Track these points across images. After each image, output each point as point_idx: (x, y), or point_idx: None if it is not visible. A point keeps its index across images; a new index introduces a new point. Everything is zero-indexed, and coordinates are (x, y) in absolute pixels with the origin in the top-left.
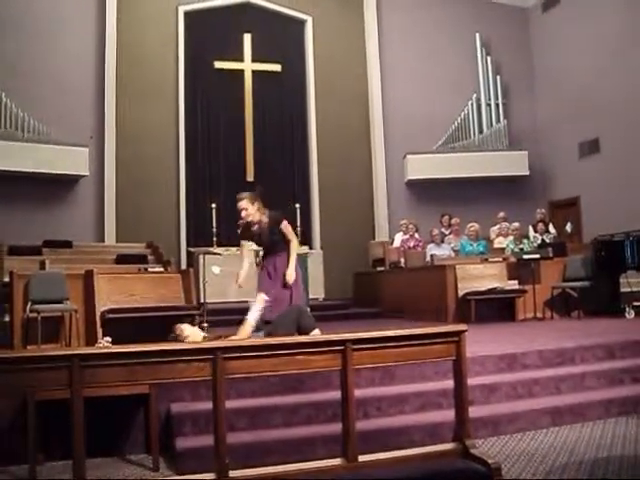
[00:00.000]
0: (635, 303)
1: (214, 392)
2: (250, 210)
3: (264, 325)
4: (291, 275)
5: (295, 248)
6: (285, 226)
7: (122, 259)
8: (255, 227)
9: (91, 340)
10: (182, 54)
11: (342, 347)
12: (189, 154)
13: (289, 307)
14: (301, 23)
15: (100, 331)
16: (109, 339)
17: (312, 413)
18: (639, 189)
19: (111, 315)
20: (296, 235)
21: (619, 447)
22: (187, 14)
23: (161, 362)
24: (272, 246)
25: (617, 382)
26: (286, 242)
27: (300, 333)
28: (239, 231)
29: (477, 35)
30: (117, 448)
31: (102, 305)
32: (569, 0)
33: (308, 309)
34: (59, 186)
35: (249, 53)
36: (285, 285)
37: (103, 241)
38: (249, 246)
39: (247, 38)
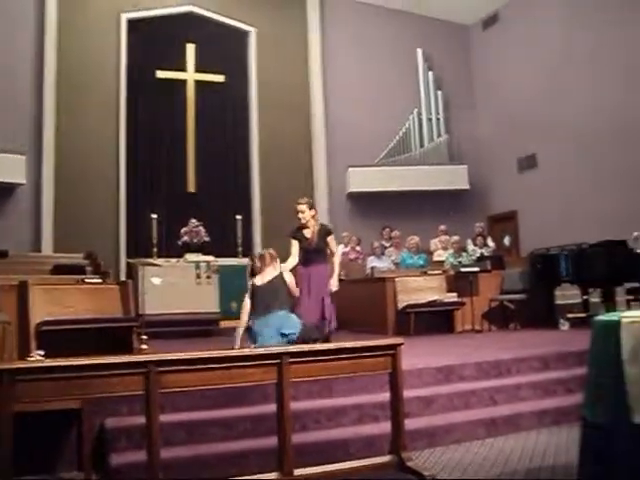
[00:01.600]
0: (569, 315)
1: (147, 406)
2: (306, 214)
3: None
4: (335, 284)
5: (338, 262)
6: (332, 239)
7: (59, 270)
8: (306, 231)
9: (24, 353)
10: (124, 62)
11: (278, 360)
12: (130, 164)
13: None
14: (245, 34)
15: (34, 344)
16: (42, 352)
17: (250, 427)
18: (574, 204)
19: (46, 327)
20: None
21: (552, 456)
22: (130, 22)
23: (94, 376)
24: (316, 253)
25: (551, 392)
26: (329, 254)
27: None
28: (294, 229)
29: (419, 50)
30: (48, 466)
31: (37, 317)
32: (508, 19)
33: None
34: None
35: (192, 63)
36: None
37: (40, 251)
38: (296, 245)
39: (190, 48)
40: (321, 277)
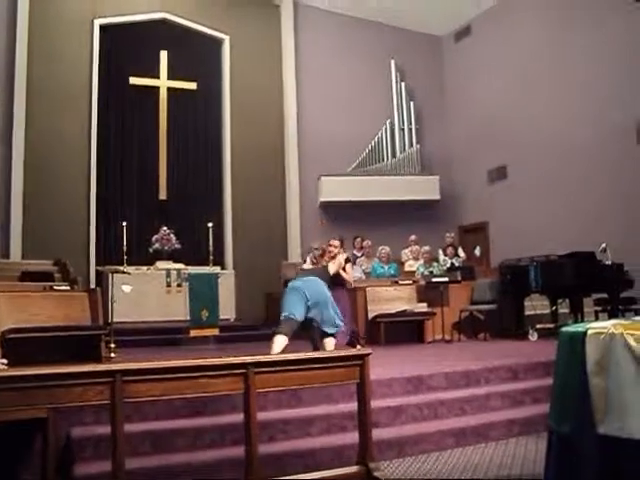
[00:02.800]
0: (538, 326)
1: (113, 416)
2: (337, 251)
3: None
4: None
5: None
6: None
7: (27, 276)
8: (325, 259)
9: None
10: (96, 68)
11: (244, 370)
12: (100, 170)
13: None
14: (218, 42)
15: None
16: (4, 361)
17: (217, 437)
18: (544, 215)
19: (12, 335)
20: None
21: (519, 466)
22: (103, 28)
23: (58, 385)
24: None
25: (519, 403)
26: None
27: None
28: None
29: (392, 61)
30: (12, 476)
31: (3, 324)
32: (480, 31)
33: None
34: None
35: (165, 70)
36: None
37: (8, 257)
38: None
39: (164, 55)
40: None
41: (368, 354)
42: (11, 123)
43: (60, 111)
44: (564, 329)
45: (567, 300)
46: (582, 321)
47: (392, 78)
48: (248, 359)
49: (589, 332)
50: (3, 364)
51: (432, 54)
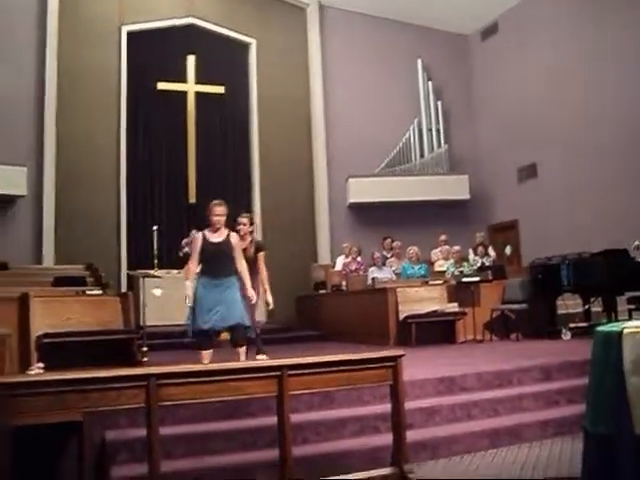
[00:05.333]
0: (571, 325)
1: (148, 419)
2: (246, 228)
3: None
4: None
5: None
6: (262, 256)
7: (60, 282)
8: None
9: (25, 366)
10: (125, 74)
11: (278, 373)
12: (130, 175)
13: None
14: (245, 46)
15: (35, 356)
16: (41, 365)
17: (250, 439)
18: (575, 213)
19: (47, 340)
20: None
21: (554, 468)
22: (130, 34)
23: (93, 389)
24: (250, 264)
25: (553, 403)
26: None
27: None
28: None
29: (419, 60)
30: (49, 478)
31: (37, 329)
32: (507, 30)
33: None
34: None
35: (192, 75)
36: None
37: (41, 263)
38: None
39: (191, 60)
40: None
41: (401, 355)
42: (42, 131)
43: (89, 118)
44: (599, 328)
45: (600, 299)
46: (616, 320)
47: (419, 78)
48: (282, 361)
49: (625, 331)
50: (40, 368)
51: (459, 53)
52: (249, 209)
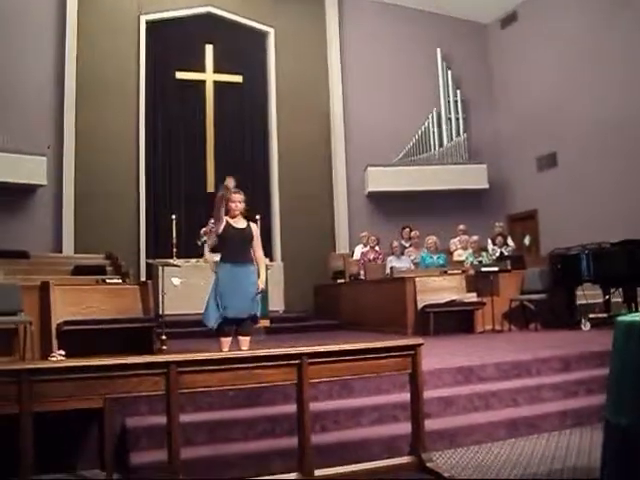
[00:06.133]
0: (591, 315)
1: (168, 406)
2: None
3: None
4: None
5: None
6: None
7: (80, 270)
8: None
9: (46, 353)
10: (143, 64)
11: (298, 361)
12: (149, 164)
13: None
14: (263, 35)
15: (55, 343)
16: (62, 352)
17: (270, 427)
18: (595, 203)
19: (67, 327)
20: None
21: (573, 458)
22: (149, 23)
23: (114, 376)
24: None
25: (572, 394)
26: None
27: None
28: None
29: (438, 49)
30: (69, 464)
31: (58, 317)
32: (527, 18)
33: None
34: (16, 195)
35: (211, 64)
36: None
37: (61, 252)
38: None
39: (209, 49)
40: None
41: (420, 344)
42: (61, 121)
43: (108, 108)
44: (620, 319)
45: (620, 289)
46: (636, 311)
47: (438, 67)
48: (302, 349)
49: None
50: (61, 355)
51: (478, 41)
52: (267, 198)
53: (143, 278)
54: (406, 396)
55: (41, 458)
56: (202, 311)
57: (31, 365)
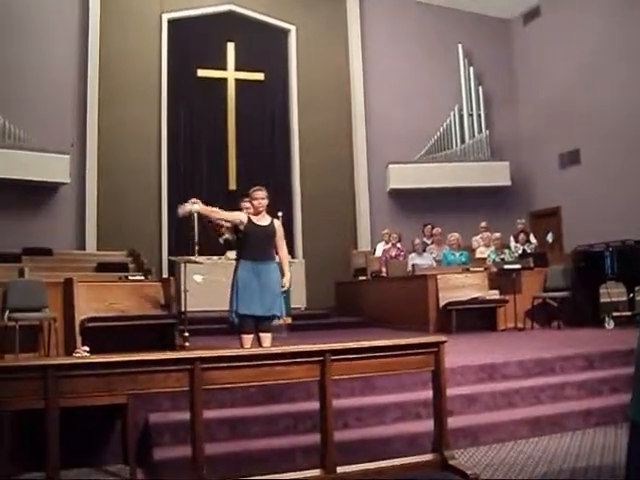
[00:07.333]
0: (615, 313)
1: (192, 403)
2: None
3: None
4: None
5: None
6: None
7: (103, 267)
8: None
9: (70, 349)
10: (165, 62)
11: (321, 358)
12: (171, 162)
13: None
14: (285, 32)
15: (79, 340)
16: (87, 348)
17: (292, 423)
18: (618, 200)
19: (90, 324)
20: None
21: (597, 457)
22: (171, 22)
23: (138, 372)
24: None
25: (596, 392)
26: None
27: None
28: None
29: (459, 46)
30: (94, 459)
31: (81, 313)
32: (550, 13)
33: None
34: (39, 193)
35: (232, 61)
36: None
37: (84, 249)
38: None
39: (230, 47)
40: None
41: (443, 341)
42: (84, 119)
43: (131, 106)
44: None
45: None
46: None
47: (460, 63)
48: (326, 346)
49: None
50: (85, 351)
51: (500, 37)
52: (289, 195)
53: (165, 275)
54: (429, 393)
55: (66, 453)
56: (223, 308)
57: (57, 361)
